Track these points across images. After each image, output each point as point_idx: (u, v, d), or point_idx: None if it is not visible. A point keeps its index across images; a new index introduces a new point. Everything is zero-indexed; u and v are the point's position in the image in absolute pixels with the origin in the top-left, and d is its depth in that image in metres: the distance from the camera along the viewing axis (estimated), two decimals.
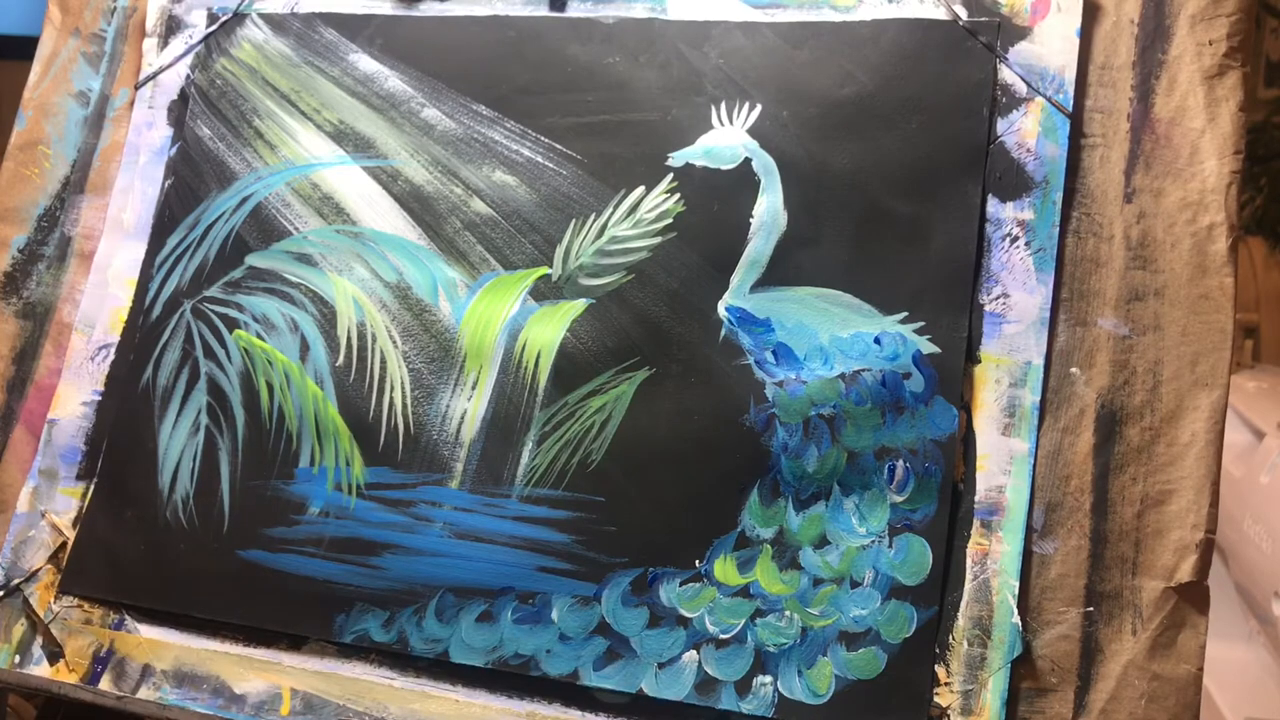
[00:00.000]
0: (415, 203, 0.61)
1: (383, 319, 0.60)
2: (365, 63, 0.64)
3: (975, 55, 0.55)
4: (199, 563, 0.59)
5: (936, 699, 0.49)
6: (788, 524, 0.52)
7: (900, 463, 0.52)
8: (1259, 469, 1.05)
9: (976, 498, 0.51)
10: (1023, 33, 0.55)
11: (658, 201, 0.58)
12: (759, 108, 0.57)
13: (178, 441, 0.61)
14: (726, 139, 0.57)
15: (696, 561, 0.53)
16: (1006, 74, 0.55)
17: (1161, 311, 0.51)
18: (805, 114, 0.57)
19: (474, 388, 0.58)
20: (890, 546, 0.51)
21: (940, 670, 0.49)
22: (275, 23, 0.67)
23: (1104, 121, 0.54)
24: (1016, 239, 0.53)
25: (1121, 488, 0.50)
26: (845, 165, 0.56)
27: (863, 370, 0.53)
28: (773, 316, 0.55)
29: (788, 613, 0.51)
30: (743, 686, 0.51)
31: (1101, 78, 0.54)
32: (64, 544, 0.61)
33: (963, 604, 0.50)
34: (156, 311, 0.64)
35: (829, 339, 0.54)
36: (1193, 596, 0.48)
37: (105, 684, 0.58)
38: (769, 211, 0.56)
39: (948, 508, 0.51)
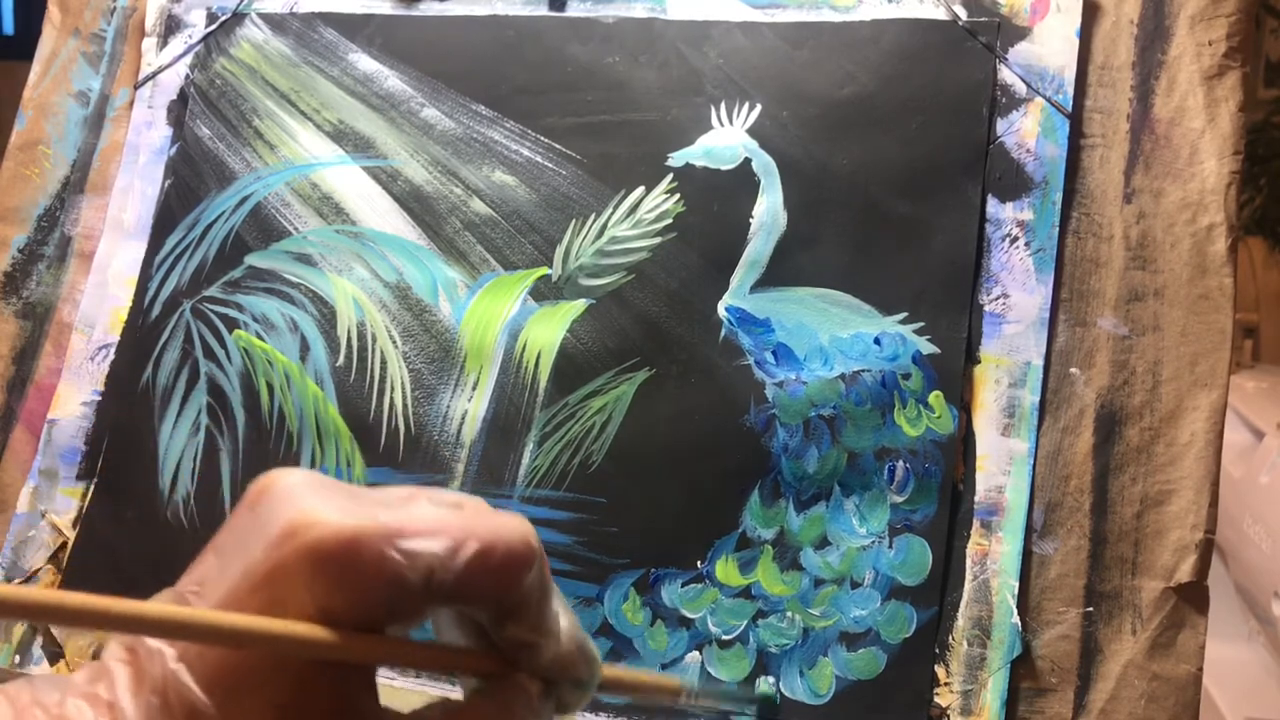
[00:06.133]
0: (415, 203, 0.61)
1: (383, 319, 0.60)
2: (365, 62, 0.64)
3: (975, 55, 0.55)
4: None
5: (936, 699, 0.49)
6: (788, 525, 0.52)
7: (900, 463, 0.52)
8: (1259, 469, 1.05)
9: (976, 498, 0.51)
10: (1022, 33, 0.55)
11: (658, 201, 0.58)
12: (759, 108, 0.57)
13: (178, 441, 0.61)
14: (726, 139, 0.57)
15: (698, 562, 0.53)
16: (1006, 74, 0.55)
17: (1161, 312, 0.51)
18: (805, 114, 0.57)
19: (474, 388, 0.58)
20: (890, 547, 0.51)
21: (940, 670, 0.49)
22: (275, 22, 0.67)
23: (1104, 122, 0.54)
24: (1016, 239, 0.53)
25: (1121, 488, 0.50)
26: (845, 165, 0.56)
27: (863, 370, 0.53)
28: (773, 317, 0.55)
29: (789, 613, 0.51)
30: (744, 687, 0.51)
31: (1101, 78, 0.54)
32: (64, 544, 0.61)
33: (962, 604, 0.50)
34: (156, 311, 0.64)
35: (829, 339, 0.54)
36: (1192, 596, 0.48)
37: None
38: (769, 211, 0.56)
39: (948, 508, 0.51)
